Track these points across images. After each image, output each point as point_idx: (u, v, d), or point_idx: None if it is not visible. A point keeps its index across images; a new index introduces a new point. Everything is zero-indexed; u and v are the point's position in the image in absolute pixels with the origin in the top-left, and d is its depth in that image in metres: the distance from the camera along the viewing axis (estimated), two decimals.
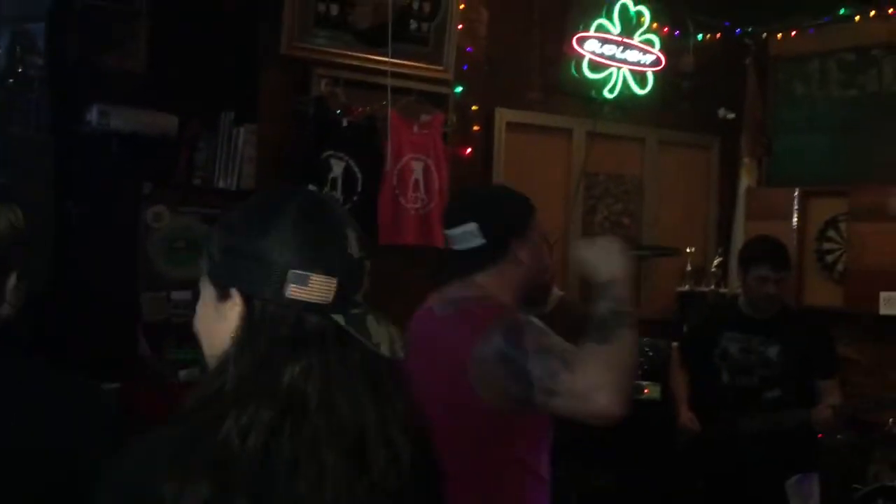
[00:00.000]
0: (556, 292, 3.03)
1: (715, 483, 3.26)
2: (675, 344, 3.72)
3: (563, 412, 1.63)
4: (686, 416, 3.26)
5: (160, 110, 3.36)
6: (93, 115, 3.22)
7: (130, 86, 3.38)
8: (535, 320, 1.76)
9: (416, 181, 3.98)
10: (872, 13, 4.56)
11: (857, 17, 4.64)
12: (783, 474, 3.14)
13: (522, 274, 1.87)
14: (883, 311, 4.36)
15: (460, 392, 1.72)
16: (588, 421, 1.59)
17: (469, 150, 4.24)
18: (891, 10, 4.50)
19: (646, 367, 4.12)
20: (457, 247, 1.88)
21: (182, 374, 3.45)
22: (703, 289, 4.90)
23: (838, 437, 4.03)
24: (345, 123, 3.81)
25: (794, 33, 4.94)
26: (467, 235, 1.85)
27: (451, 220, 1.90)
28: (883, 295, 4.37)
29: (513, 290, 1.87)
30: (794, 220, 4.81)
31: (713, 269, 4.99)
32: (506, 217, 1.88)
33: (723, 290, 4.73)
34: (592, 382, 1.55)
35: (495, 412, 1.71)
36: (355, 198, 3.86)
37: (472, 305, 1.81)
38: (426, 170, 4.02)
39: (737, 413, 3.16)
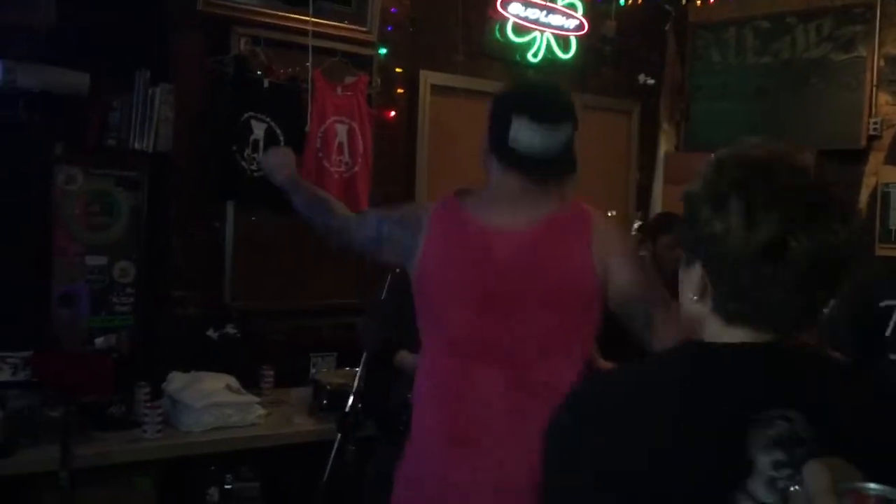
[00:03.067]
0: None
1: None
2: None
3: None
4: (603, 365, 3.36)
5: (70, 68, 3.22)
6: None
7: (38, 42, 3.22)
8: None
9: (340, 144, 3.93)
10: None
11: None
12: None
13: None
14: None
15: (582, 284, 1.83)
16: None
17: (393, 112, 4.21)
18: None
19: None
20: (551, 146, 1.84)
21: (98, 341, 3.36)
22: None
23: None
24: (266, 84, 3.72)
25: (712, 0, 5.04)
26: (561, 136, 1.87)
27: (548, 114, 1.85)
28: None
29: None
30: None
31: (633, 233, 5.09)
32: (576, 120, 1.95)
33: (643, 253, 4.83)
34: None
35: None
36: None
37: (561, 216, 1.88)
38: (350, 132, 3.97)
39: None
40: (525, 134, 1.82)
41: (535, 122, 1.82)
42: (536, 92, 2.00)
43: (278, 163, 2.36)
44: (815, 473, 0.59)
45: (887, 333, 2.53)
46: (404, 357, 2.97)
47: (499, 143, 1.88)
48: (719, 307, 1.02)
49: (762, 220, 0.95)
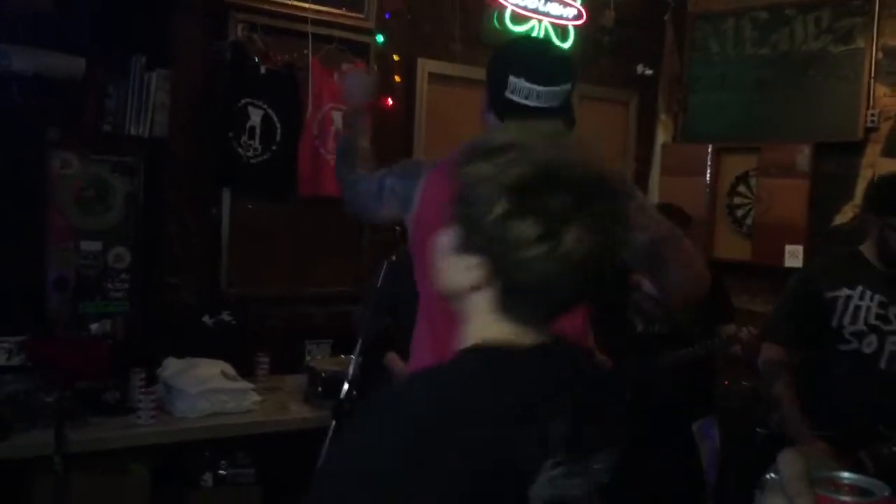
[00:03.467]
0: None
1: None
2: None
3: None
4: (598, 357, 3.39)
5: (66, 52, 3.20)
6: None
7: (33, 25, 3.20)
8: None
9: (337, 131, 3.92)
10: None
11: None
12: (687, 418, 3.29)
13: None
14: (787, 263, 4.54)
15: None
16: None
17: (390, 100, 4.19)
18: None
19: None
20: (549, 104, 1.82)
21: (93, 327, 3.36)
22: None
23: (743, 383, 4.21)
24: (263, 71, 3.71)
25: None
26: (560, 94, 1.85)
27: (563, 71, 1.86)
28: (788, 248, 4.56)
29: None
30: (707, 175, 4.94)
31: None
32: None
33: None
34: None
35: None
36: (274, 147, 3.78)
37: None
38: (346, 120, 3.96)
39: (650, 357, 3.29)
40: (522, 93, 1.83)
41: (532, 82, 1.83)
42: (533, 51, 2.02)
43: (361, 87, 2.42)
44: (790, 461, 0.59)
45: (833, 324, 2.54)
46: (393, 360, 2.97)
47: (496, 99, 1.88)
48: (494, 300, 1.04)
49: (538, 214, 0.97)
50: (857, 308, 2.55)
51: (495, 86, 1.89)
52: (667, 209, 3.57)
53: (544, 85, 1.83)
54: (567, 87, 1.87)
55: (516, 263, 1.00)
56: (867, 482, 0.59)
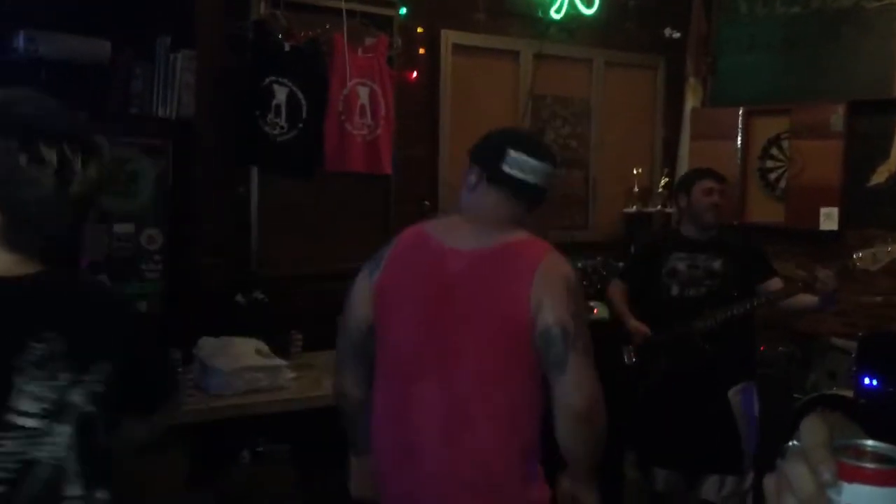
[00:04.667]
0: None
1: (661, 393, 3.36)
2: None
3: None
4: (635, 323, 3.37)
5: (91, 36, 3.21)
6: (19, 42, 3.06)
7: (59, 10, 3.21)
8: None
9: (363, 106, 3.91)
10: None
11: None
12: (726, 384, 3.26)
13: (531, 222, 2.03)
14: (823, 226, 4.47)
15: (516, 314, 1.86)
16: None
17: (415, 73, 4.17)
18: None
19: (598, 286, 4.19)
20: (520, 175, 1.96)
21: None
22: (650, 209, 4.96)
23: (780, 349, 4.17)
24: (287, 48, 3.70)
25: None
26: (540, 171, 1.99)
27: (544, 154, 2.03)
28: (823, 210, 4.48)
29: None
30: (738, 139, 4.86)
31: (660, 190, 5.04)
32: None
33: (669, 209, 4.79)
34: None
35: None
36: (300, 125, 3.78)
37: (517, 244, 1.94)
38: (372, 95, 3.95)
39: (687, 321, 3.27)
40: (519, 162, 1.98)
41: (529, 155, 1.99)
42: (525, 134, 2.38)
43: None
44: (811, 429, 0.58)
45: None
46: None
47: (492, 167, 1.99)
48: (1, 232, 1.30)
49: (32, 155, 1.28)
50: None
51: (492, 156, 2.02)
52: (702, 169, 3.55)
53: (539, 157, 2.01)
54: (552, 167, 2.04)
55: (12, 198, 1.25)
56: (891, 450, 0.58)
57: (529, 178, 1.97)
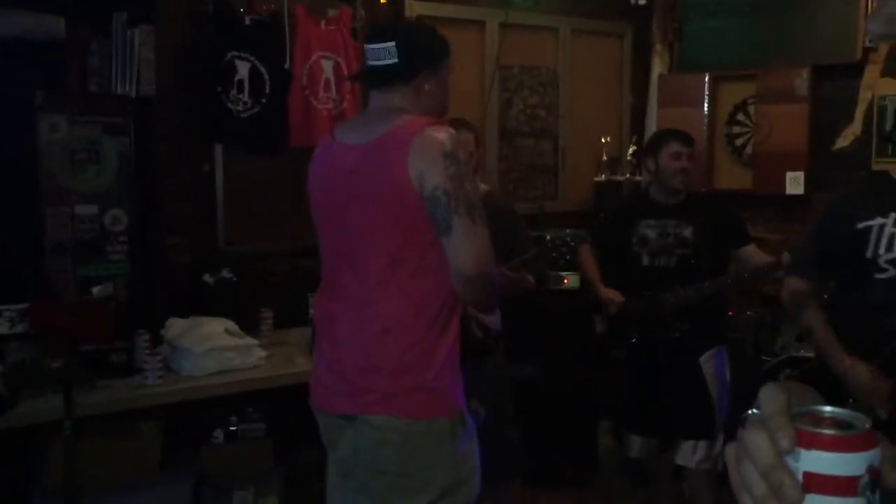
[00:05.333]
0: (483, 186, 3.06)
1: (633, 361, 3.38)
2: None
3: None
4: (607, 291, 3.36)
5: (44, 12, 3.12)
6: None
7: None
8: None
9: (327, 80, 3.86)
10: None
11: None
12: (697, 351, 3.28)
13: (425, 104, 2.06)
14: (789, 190, 4.51)
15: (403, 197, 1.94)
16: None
17: None
18: None
19: (567, 257, 4.20)
20: (371, 62, 2.07)
21: (95, 290, 3.35)
22: (619, 178, 4.97)
23: (748, 313, 4.21)
24: (247, 22, 3.64)
25: None
26: (383, 52, 2.04)
27: (374, 37, 2.10)
28: (789, 175, 4.52)
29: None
30: (705, 105, 4.88)
31: (628, 158, 5.05)
32: (421, 46, 2.09)
33: (638, 177, 4.80)
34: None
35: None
36: (264, 100, 3.73)
37: (394, 127, 1.98)
38: (336, 68, 3.89)
39: (659, 291, 3.27)
40: (366, 52, 2.11)
41: (366, 42, 2.12)
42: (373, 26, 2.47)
43: None
44: (770, 396, 0.58)
45: (868, 255, 2.50)
46: None
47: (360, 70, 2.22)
48: None
49: None
50: (893, 235, 2.49)
51: None
52: (668, 131, 3.52)
53: (368, 42, 2.10)
54: (391, 43, 2.04)
55: None
56: (848, 415, 0.58)
57: (373, 62, 2.06)
